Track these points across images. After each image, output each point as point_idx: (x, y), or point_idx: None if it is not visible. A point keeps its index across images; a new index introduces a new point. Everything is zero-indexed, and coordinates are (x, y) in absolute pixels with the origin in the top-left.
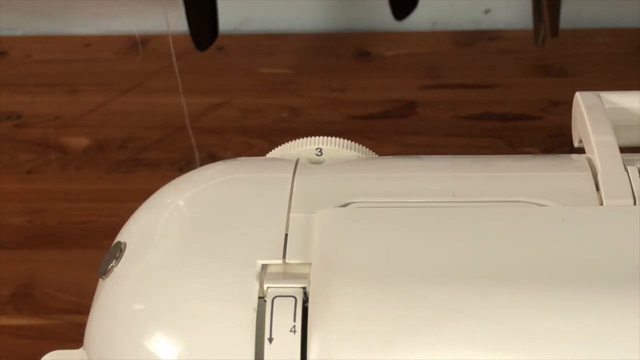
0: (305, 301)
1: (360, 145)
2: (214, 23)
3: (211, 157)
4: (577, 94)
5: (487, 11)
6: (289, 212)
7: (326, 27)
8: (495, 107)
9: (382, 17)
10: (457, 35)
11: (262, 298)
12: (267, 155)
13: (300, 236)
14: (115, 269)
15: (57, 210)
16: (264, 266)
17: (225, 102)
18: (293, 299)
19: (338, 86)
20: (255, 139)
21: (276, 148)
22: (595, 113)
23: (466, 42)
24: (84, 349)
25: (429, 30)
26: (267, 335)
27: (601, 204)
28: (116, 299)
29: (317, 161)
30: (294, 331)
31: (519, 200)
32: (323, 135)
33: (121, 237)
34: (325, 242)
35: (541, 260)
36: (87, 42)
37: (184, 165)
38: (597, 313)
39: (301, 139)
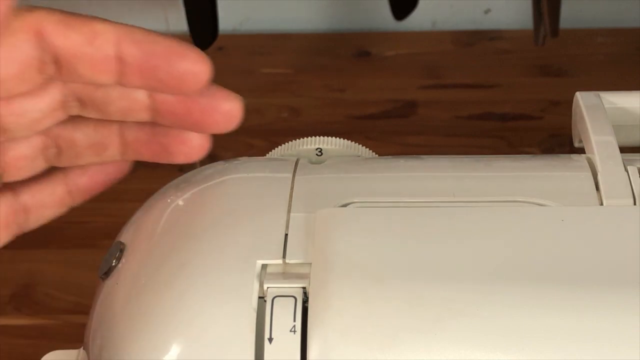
0: (305, 301)
1: (360, 145)
2: (214, 23)
3: (211, 157)
4: (577, 94)
5: (487, 11)
6: (289, 212)
7: (326, 27)
8: (495, 107)
9: (382, 17)
10: (457, 35)
11: (262, 298)
12: (267, 155)
13: (300, 236)
14: (115, 269)
15: None
16: (264, 266)
17: None
18: (293, 299)
19: (338, 86)
20: (255, 139)
21: (276, 148)
22: (595, 113)
23: (466, 42)
24: (83, 349)
25: (429, 30)
26: (267, 335)
27: (601, 204)
28: (116, 299)
29: (317, 161)
30: (294, 331)
31: (519, 200)
32: (323, 135)
33: (121, 237)
34: (325, 242)
35: (541, 260)
36: None
37: (184, 165)
38: (597, 313)
39: (301, 139)
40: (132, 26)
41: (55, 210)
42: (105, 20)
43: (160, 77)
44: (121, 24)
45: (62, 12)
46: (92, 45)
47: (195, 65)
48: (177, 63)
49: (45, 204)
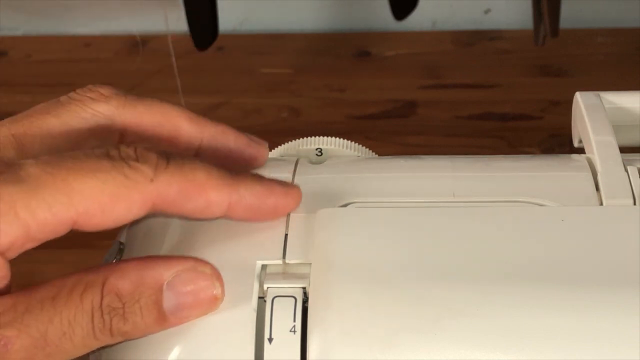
0: (305, 301)
1: (360, 145)
2: (214, 23)
3: None
4: (577, 94)
5: (487, 11)
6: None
7: (326, 27)
8: (495, 107)
9: (382, 17)
10: (457, 35)
11: (262, 298)
12: None
13: (300, 236)
14: None
15: None
16: (264, 266)
17: (225, 102)
18: (293, 299)
19: (338, 86)
20: None
21: (276, 148)
22: (595, 113)
23: (466, 42)
24: None
25: (429, 30)
26: (267, 335)
27: (601, 204)
28: None
29: (317, 161)
30: (294, 331)
31: (519, 200)
32: (323, 135)
33: (121, 237)
34: (325, 242)
35: (541, 260)
36: (87, 42)
37: None
38: (597, 313)
39: (301, 139)
40: (243, 184)
41: None
42: (219, 181)
43: (257, 221)
44: (233, 182)
45: (180, 178)
46: (204, 213)
47: (292, 209)
48: (278, 214)
49: None
